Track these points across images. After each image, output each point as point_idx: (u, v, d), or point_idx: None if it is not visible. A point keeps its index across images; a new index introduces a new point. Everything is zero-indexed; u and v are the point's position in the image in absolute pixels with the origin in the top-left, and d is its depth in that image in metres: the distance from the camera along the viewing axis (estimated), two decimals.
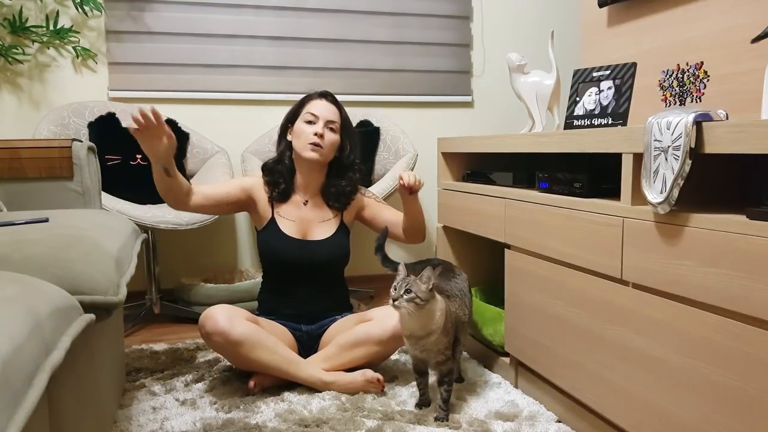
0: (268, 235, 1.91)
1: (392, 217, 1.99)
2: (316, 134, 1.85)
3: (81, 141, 1.90)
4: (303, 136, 1.87)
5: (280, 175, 1.92)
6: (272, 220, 1.91)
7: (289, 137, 1.94)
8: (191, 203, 1.81)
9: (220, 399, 1.70)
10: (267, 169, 1.95)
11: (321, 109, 1.89)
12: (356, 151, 1.97)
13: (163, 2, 2.82)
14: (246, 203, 1.93)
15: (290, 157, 1.94)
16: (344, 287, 2.01)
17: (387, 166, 2.93)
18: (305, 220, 1.93)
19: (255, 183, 1.94)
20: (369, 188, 2.71)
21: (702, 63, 1.81)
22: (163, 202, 2.57)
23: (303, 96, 1.96)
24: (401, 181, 1.79)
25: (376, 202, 2.02)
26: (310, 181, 1.94)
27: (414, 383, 1.80)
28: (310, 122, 1.87)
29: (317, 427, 1.51)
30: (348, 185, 1.94)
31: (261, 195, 1.93)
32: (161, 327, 2.50)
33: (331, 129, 1.89)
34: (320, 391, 1.72)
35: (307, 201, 1.94)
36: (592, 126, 1.71)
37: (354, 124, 2.96)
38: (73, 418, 1.06)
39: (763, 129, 0.99)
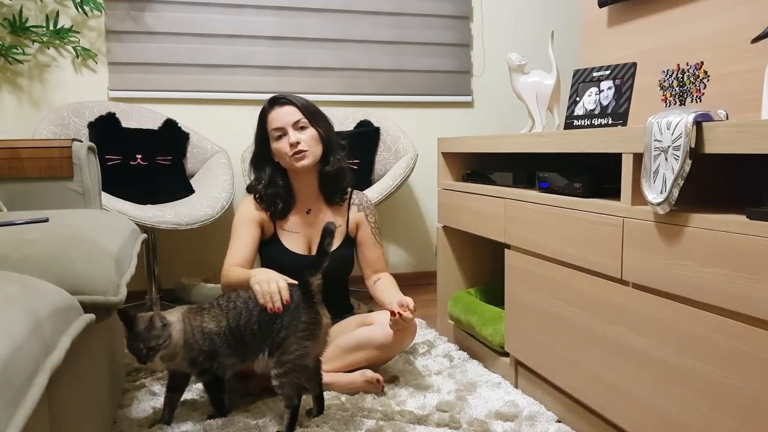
0: (272, 250, 1.88)
1: (374, 259, 1.94)
2: (291, 145, 1.78)
3: (81, 141, 1.90)
4: (283, 152, 1.81)
5: (275, 196, 1.86)
6: (275, 235, 1.89)
7: (275, 159, 1.86)
8: None
9: None
10: (259, 196, 1.87)
11: (280, 119, 1.80)
12: (330, 131, 1.88)
13: (163, 2, 2.82)
14: (263, 229, 1.90)
15: (283, 176, 1.87)
16: (346, 290, 2.00)
17: (387, 166, 2.93)
18: (309, 230, 1.90)
19: (253, 207, 1.88)
20: (368, 189, 2.71)
21: (702, 63, 1.81)
22: (163, 202, 2.58)
23: (259, 114, 1.88)
24: (396, 317, 1.68)
25: (371, 232, 1.95)
26: (308, 187, 1.89)
27: (413, 385, 1.80)
28: (279, 137, 1.81)
29: (317, 427, 1.51)
30: (332, 168, 1.87)
31: (263, 215, 1.88)
32: None
33: (301, 128, 1.81)
34: None
35: (309, 210, 1.91)
36: (592, 126, 1.71)
37: (354, 124, 2.98)
38: (73, 418, 1.06)
39: (763, 129, 0.99)
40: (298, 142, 1.79)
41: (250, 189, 1.92)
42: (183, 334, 1.48)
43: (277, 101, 1.84)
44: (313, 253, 1.88)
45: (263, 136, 1.87)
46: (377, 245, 1.96)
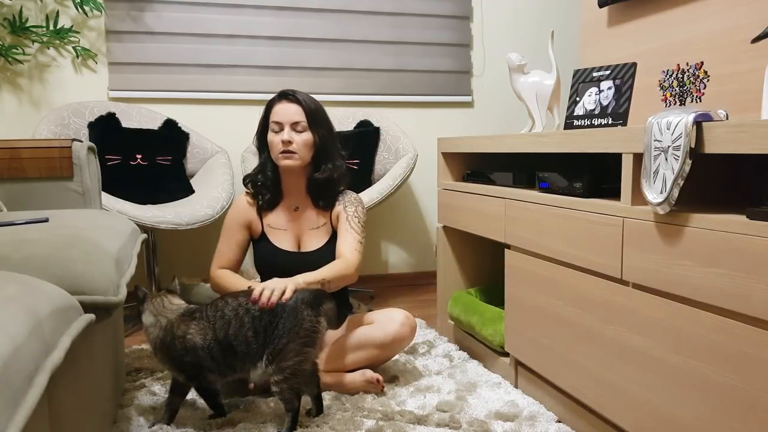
0: (261, 248, 1.90)
1: (340, 245, 1.85)
2: (283, 141, 1.80)
3: (81, 141, 1.90)
4: (274, 146, 1.83)
5: (263, 185, 1.89)
6: (263, 235, 1.90)
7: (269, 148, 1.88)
8: None
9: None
10: (249, 181, 1.92)
11: (282, 114, 1.82)
12: (328, 140, 1.87)
13: (163, 2, 2.82)
14: (249, 230, 1.92)
15: (273, 167, 1.89)
16: (344, 289, 2.00)
17: (387, 166, 2.93)
18: (296, 227, 1.91)
19: (242, 207, 1.91)
20: (368, 189, 2.71)
21: (702, 63, 1.81)
22: (163, 202, 2.58)
23: (267, 102, 1.89)
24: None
25: (346, 219, 1.88)
26: (296, 186, 1.90)
27: (413, 385, 1.80)
28: (276, 131, 1.83)
29: (317, 427, 1.51)
30: (321, 177, 1.86)
31: (252, 215, 1.91)
32: None
33: (298, 130, 1.81)
34: None
35: (297, 207, 1.91)
36: (592, 126, 1.71)
37: (354, 124, 2.98)
38: (73, 418, 1.06)
39: (763, 129, 0.99)
40: (290, 142, 1.80)
41: (245, 178, 1.94)
42: (157, 341, 1.48)
43: (286, 96, 1.85)
44: (302, 249, 1.89)
45: (264, 123, 1.89)
46: (348, 231, 1.86)
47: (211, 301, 1.53)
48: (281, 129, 1.82)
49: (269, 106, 1.87)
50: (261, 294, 1.49)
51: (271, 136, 1.84)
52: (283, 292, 1.50)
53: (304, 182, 1.90)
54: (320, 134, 1.85)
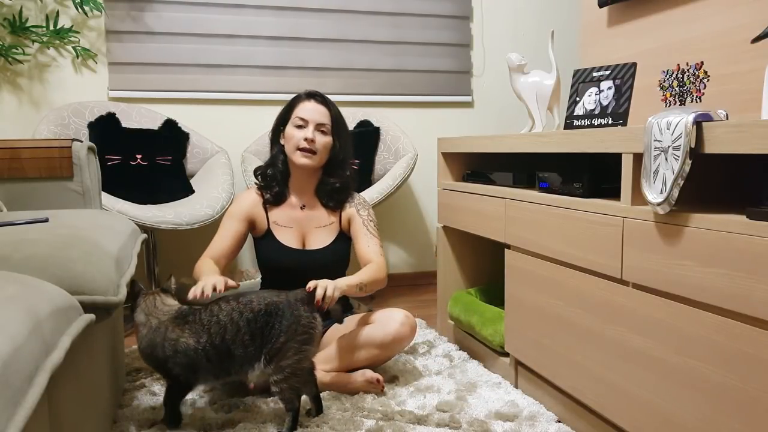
0: (266, 246, 1.90)
1: (363, 250, 1.88)
2: (306, 139, 1.82)
3: (81, 141, 1.90)
4: (293, 141, 1.84)
5: (273, 178, 1.91)
6: (269, 231, 1.90)
7: (282, 141, 1.91)
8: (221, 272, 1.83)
9: (220, 399, 1.69)
10: (259, 173, 1.94)
11: (310, 112, 1.85)
12: (347, 148, 1.93)
13: (163, 2, 2.82)
14: (251, 225, 1.92)
15: (284, 161, 1.91)
16: None
17: (387, 166, 2.93)
18: (302, 225, 1.92)
19: (248, 201, 1.91)
20: (368, 189, 2.71)
21: (702, 63, 1.81)
22: (163, 202, 2.58)
23: (292, 97, 1.93)
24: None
25: (362, 224, 1.92)
26: (305, 184, 1.92)
27: (413, 385, 1.80)
28: (299, 126, 1.85)
29: (317, 427, 1.51)
30: (337, 182, 1.91)
31: (257, 210, 1.91)
32: None
33: (322, 131, 1.86)
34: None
35: (303, 205, 1.93)
36: (592, 126, 1.71)
37: (354, 124, 2.98)
38: (73, 418, 1.06)
39: (763, 129, 0.99)
40: (313, 141, 1.83)
41: (256, 169, 1.95)
42: (144, 340, 1.48)
43: (315, 96, 1.89)
44: (307, 247, 1.90)
45: (285, 117, 1.90)
46: (368, 236, 1.90)
47: (206, 304, 1.53)
48: (305, 125, 1.84)
49: (295, 101, 1.90)
50: (315, 290, 1.53)
51: (293, 130, 1.86)
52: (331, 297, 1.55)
53: (314, 183, 1.92)
54: (341, 142, 1.90)
